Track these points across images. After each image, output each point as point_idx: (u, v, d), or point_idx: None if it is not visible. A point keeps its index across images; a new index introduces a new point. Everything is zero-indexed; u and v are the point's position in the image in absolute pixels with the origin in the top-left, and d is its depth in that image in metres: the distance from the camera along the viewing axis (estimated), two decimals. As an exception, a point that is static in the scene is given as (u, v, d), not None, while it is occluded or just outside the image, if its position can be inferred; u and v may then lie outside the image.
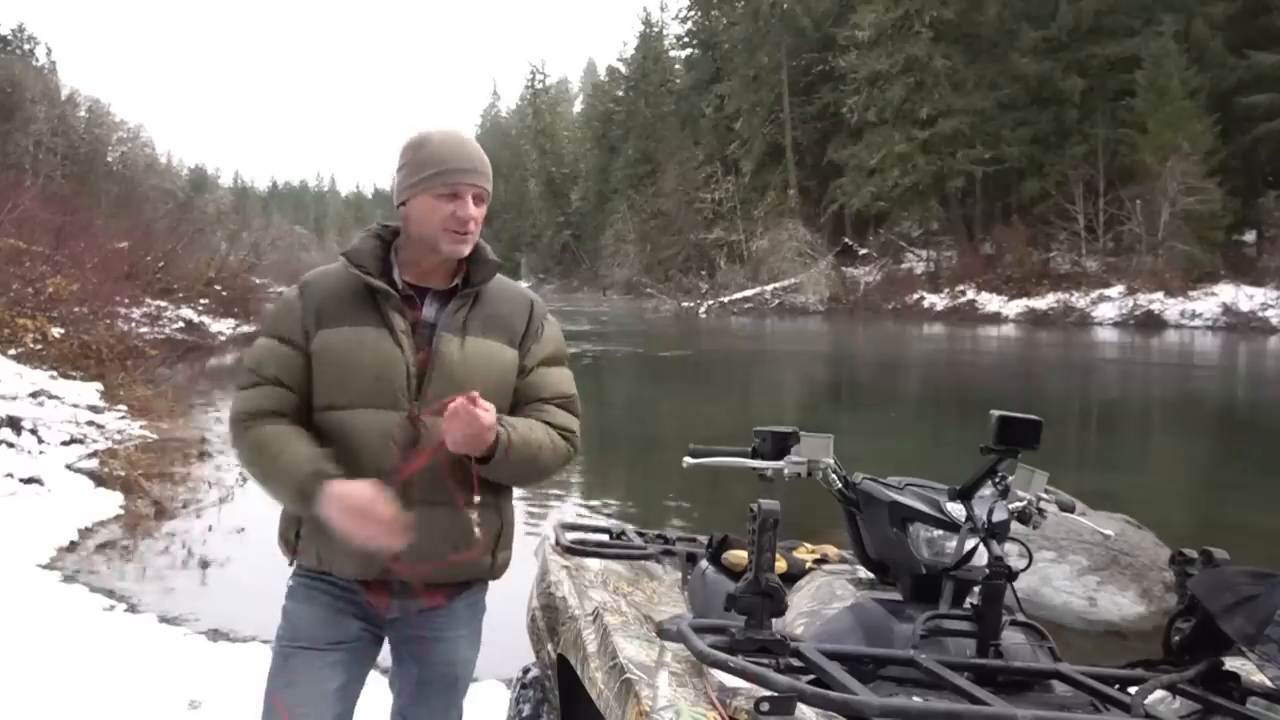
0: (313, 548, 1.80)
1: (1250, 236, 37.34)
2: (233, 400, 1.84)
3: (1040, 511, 1.88)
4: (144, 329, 17.26)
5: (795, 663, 1.44)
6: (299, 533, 1.83)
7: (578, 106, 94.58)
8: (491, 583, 1.97)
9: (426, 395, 1.75)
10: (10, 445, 7.35)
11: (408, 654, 1.93)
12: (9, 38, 64.81)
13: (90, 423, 8.56)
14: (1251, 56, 33.54)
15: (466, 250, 1.80)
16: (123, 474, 7.31)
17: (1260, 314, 30.14)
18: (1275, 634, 1.37)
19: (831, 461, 1.99)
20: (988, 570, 1.67)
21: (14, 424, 7.71)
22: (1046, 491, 1.91)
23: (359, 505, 1.63)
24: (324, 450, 1.73)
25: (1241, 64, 34.03)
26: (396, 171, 1.83)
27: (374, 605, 1.84)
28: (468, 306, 1.83)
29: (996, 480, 1.83)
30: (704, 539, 2.62)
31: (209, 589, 5.31)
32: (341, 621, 1.83)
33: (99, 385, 10.32)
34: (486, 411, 1.65)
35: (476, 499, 1.75)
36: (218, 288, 23.32)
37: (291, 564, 1.89)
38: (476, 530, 1.76)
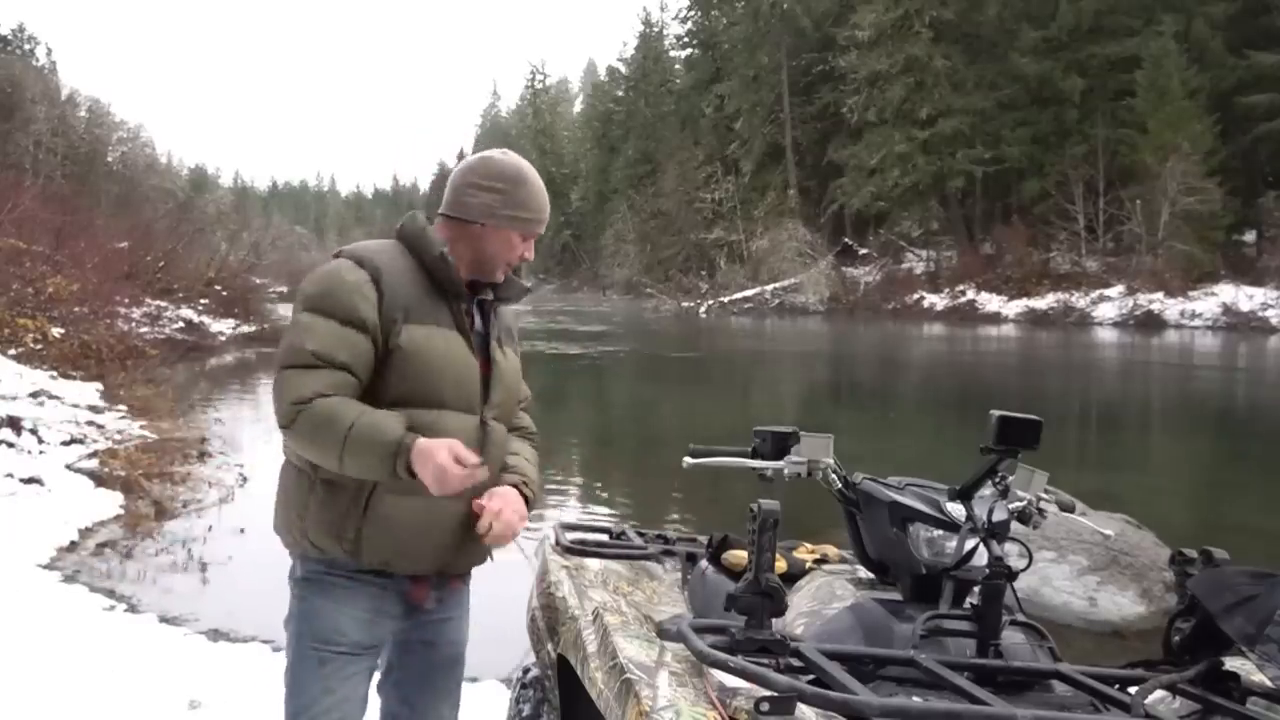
0: (378, 543, 1.74)
1: (1250, 236, 37.36)
2: (285, 383, 1.69)
3: (1040, 511, 1.88)
4: (144, 329, 17.27)
5: (795, 663, 1.44)
6: (361, 530, 1.73)
7: (578, 106, 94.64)
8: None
9: (491, 401, 1.84)
10: (10, 445, 7.35)
11: (419, 641, 1.92)
12: (9, 38, 64.83)
13: (90, 423, 8.55)
14: (1251, 56, 33.55)
15: (503, 279, 1.89)
16: (123, 474, 7.30)
17: (1260, 314, 30.15)
18: (1275, 634, 1.37)
19: (831, 461, 1.99)
20: (988, 570, 1.67)
21: (14, 424, 7.70)
22: (1046, 491, 1.91)
23: (445, 460, 1.62)
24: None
25: (1241, 64, 34.05)
26: (479, 189, 1.84)
27: (415, 599, 1.84)
28: (496, 319, 1.91)
29: (996, 480, 1.83)
30: (704, 539, 2.61)
31: (209, 589, 5.31)
32: (380, 623, 1.83)
33: (99, 385, 10.32)
34: (519, 509, 1.82)
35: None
36: (218, 288, 23.33)
37: (350, 566, 1.78)
38: None
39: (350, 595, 1.79)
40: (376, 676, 1.95)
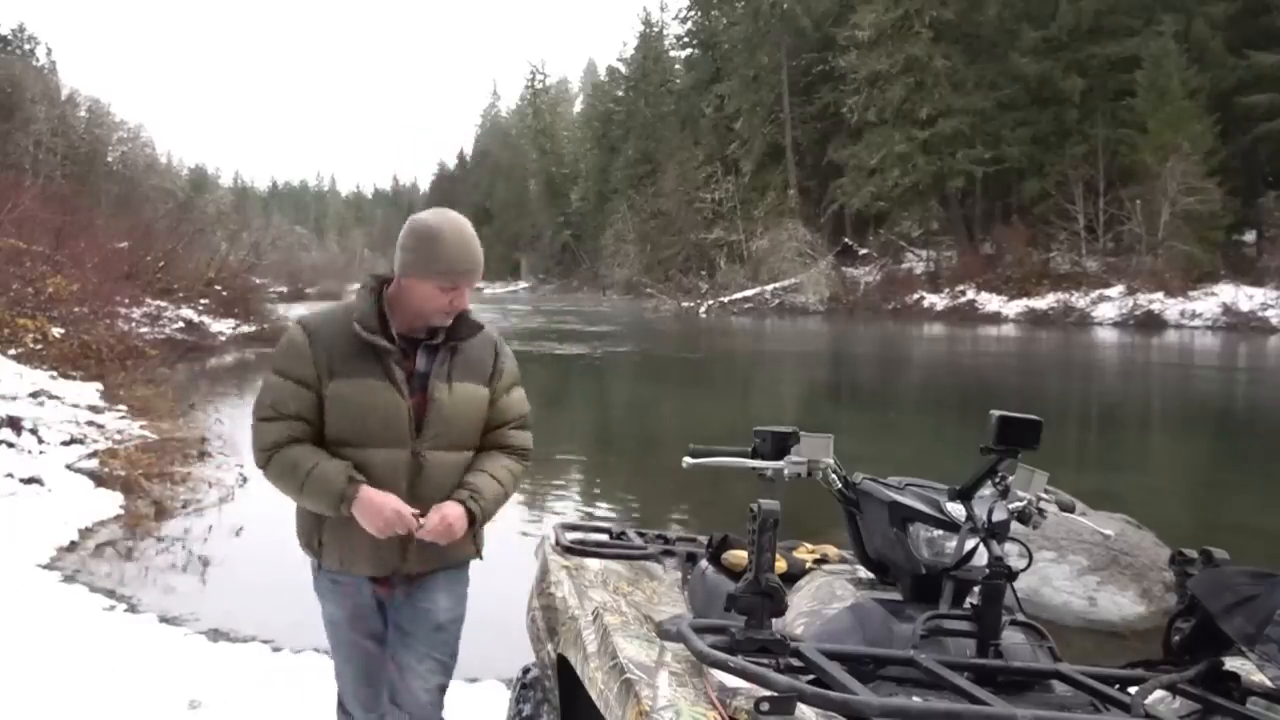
0: (335, 551, 2.17)
1: (1250, 236, 37.34)
2: (255, 432, 2.15)
3: (1040, 511, 1.88)
4: (144, 329, 17.28)
5: (795, 663, 1.44)
6: (322, 539, 2.18)
7: (578, 106, 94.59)
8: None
9: (424, 435, 2.15)
10: (10, 445, 7.35)
11: (400, 618, 2.26)
12: (9, 38, 64.82)
13: (90, 423, 8.55)
14: (1251, 56, 33.54)
15: (436, 327, 2.17)
16: (123, 474, 7.30)
17: (1260, 314, 30.13)
18: (1275, 634, 1.37)
19: (831, 461, 1.99)
20: (988, 570, 1.67)
21: (14, 424, 7.70)
22: (1046, 491, 1.90)
23: (384, 504, 2.05)
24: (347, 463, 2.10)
25: (1241, 64, 34.03)
26: (402, 249, 2.13)
27: (381, 594, 2.24)
28: (450, 356, 2.19)
29: (996, 480, 1.83)
30: (704, 539, 2.61)
31: (209, 589, 5.31)
32: (370, 616, 2.26)
33: (99, 385, 10.32)
34: (455, 521, 2.11)
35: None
36: (218, 288, 23.35)
37: (319, 567, 2.24)
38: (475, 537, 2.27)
39: (339, 598, 2.25)
40: None
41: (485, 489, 2.18)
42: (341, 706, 2.42)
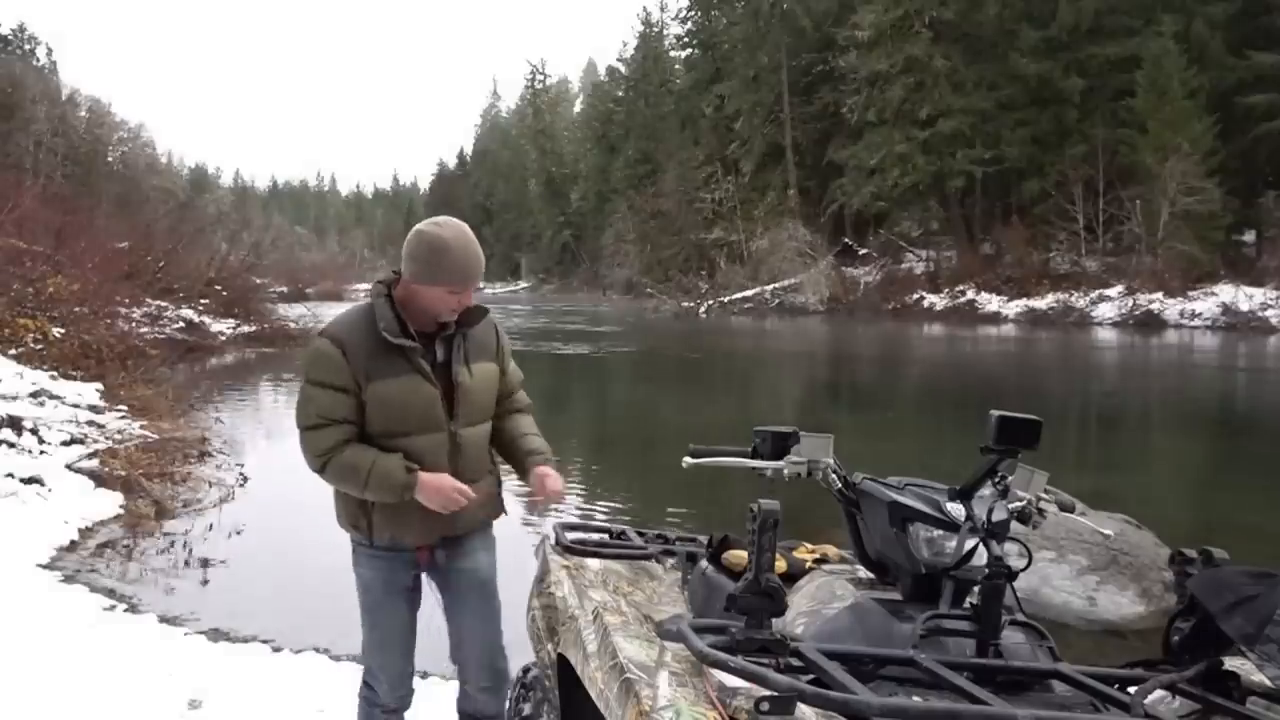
0: (386, 528, 2.44)
1: (1250, 236, 37.31)
2: (306, 440, 2.38)
3: (1040, 511, 1.88)
4: (144, 329, 17.27)
5: (795, 663, 1.44)
6: (371, 520, 2.44)
7: (578, 106, 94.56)
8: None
9: (458, 417, 2.44)
10: (11, 445, 7.35)
11: (446, 579, 2.57)
12: (9, 38, 64.84)
13: (90, 423, 8.54)
14: (1251, 56, 33.51)
15: (453, 320, 2.42)
16: (123, 474, 7.30)
17: (1260, 314, 30.11)
18: (1275, 634, 1.37)
19: (831, 461, 1.99)
20: (987, 570, 1.67)
21: (14, 424, 7.70)
22: (1046, 491, 1.90)
23: (449, 485, 2.36)
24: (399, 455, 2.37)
25: (1241, 64, 33.99)
26: (412, 259, 2.35)
27: (421, 561, 2.52)
28: (464, 343, 2.45)
29: (996, 480, 1.83)
30: (704, 539, 2.61)
31: (209, 589, 5.32)
32: (396, 576, 2.52)
33: (99, 385, 10.31)
34: (556, 480, 2.52)
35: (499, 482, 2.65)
36: (218, 288, 23.32)
37: (369, 544, 2.49)
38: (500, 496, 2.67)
39: (372, 561, 2.52)
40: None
41: (547, 448, 2.58)
42: (367, 685, 2.63)
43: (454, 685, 2.75)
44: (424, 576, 2.59)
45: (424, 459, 2.37)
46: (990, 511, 1.75)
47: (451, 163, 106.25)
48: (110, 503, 6.76)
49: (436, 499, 2.35)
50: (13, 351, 10.95)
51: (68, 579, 5.27)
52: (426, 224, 2.41)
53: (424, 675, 3.36)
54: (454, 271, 2.33)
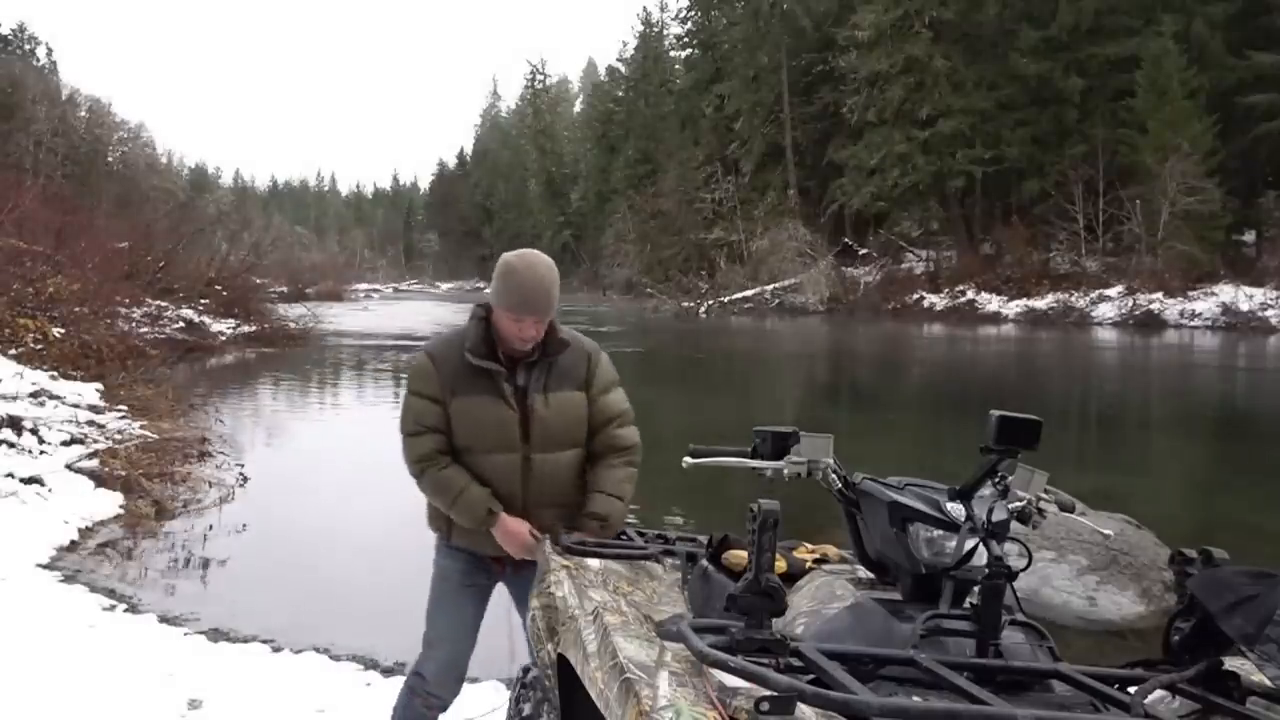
0: (465, 535, 2.62)
1: (1250, 236, 37.33)
2: (406, 446, 2.59)
3: (1040, 511, 1.88)
4: (144, 329, 17.27)
5: (795, 663, 1.44)
6: (451, 527, 2.64)
7: (578, 106, 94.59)
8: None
9: (532, 441, 2.55)
10: (11, 445, 7.34)
11: (519, 590, 2.66)
12: (9, 37, 64.88)
13: (90, 423, 8.54)
14: (1251, 56, 33.51)
15: (528, 349, 2.51)
16: (123, 474, 7.30)
17: (1260, 314, 30.12)
18: (1275, 634, 1.37)
19: (831, 461, 1.98)
20: (988, 570, 1.66)
21: (14, 424, 7.69)
22: (1046, 491, 1.90)
23: (525, 534, 2.53)
24: (487, 489, 2.54)
25: (1241, 64, 34.00)
26: (493, 280, 2.52)
27: (495, 569, 2.69)
28: (547, 369, 2.55)
29: (996, 480, 1.82)
30: (704, 539, 2.61)
31: (209, 589, 5.32)
32: (473, 573, 2.69)
33: (99, 385, 10.30)
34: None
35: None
36: (218, 288, 23.32)
37: (448, 541, 2.68)
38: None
39: (451, 554, 2.71)
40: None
41: (611, 513, 2.56)
42: (417, 673, 2.71)
43: (463, 689, 2.81)
44: (503, 587, 2.74)
45: (496, 477, 2.53)
46: (990, 511, 1.74)
47: (451, 163, 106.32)
48: (110, 503, 6.76)
49: (511, 544, 2.52)
50: (13, 351, 10.95)
51: (68, 579, 5.27)
52: (512, 252, 2.57)
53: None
54: (512, 297, 2.44)
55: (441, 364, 2.55)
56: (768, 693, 1.23)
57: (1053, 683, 1.55)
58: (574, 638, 1.85)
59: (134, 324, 16.97)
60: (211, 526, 6.42)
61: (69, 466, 7.20)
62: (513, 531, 2.52)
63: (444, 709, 2.74)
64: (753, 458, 2.06)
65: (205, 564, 5.68)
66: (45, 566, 5.48)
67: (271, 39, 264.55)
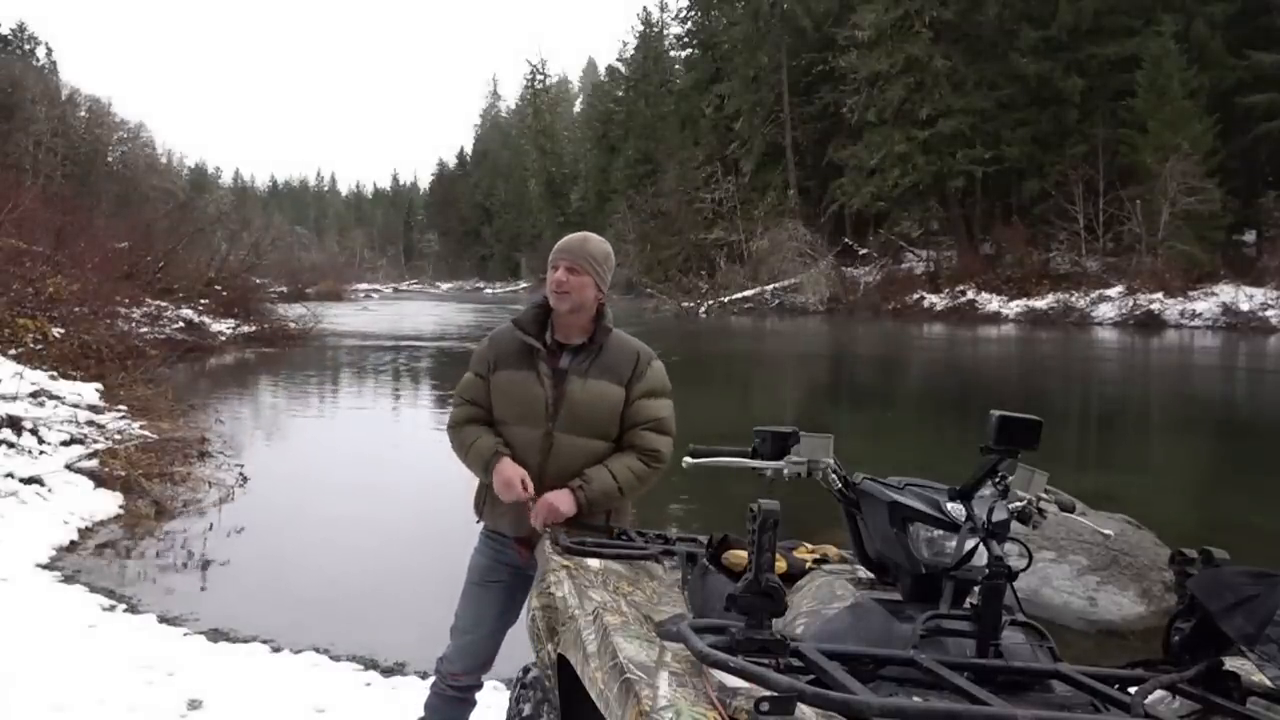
0: (490, 512, 2.75)
1: (1250, 236, 37.30)
2: (451, 412, 2.79)
3: (1040, 511, 1.88)
4: (144, 329, 17.26)
5: (795, 663, 1.44)
6: (485, 500, 2.75)
7: (578, 106, 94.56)
8: None
9: (557, 420, 2.62)
10: (10, 445, 7.34)
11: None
12: (9, 37, 64.85)
13: (90, 423, 8.54)
14: (1251, 56, 33.52)
15: (565, 306, 2.63)
16: (123, 474, 7.30)
17: (1260, 314, 30.11)
18: (1275, 634, 1.37)
19: (831, 461, 1.98)
20: (988, 570, 1.66)
21: (14, 424, 7.69)
22: (1046, 491, 1.90)
23: (517, 476, 2.57)
24: (501, 440, 2.66)
25: (1241, 64, 34.01)
26: None
27: (521, 557, 2.69)
28: (591, 357, 2.65)
29: (996, 480, 1.82)
30: (704, 539, 2.61)
31: (209, 589, 5.32)
32: (498, 568, 2.76)
33: (99, 385, 10.30)
34: (558, 503, 2.55)
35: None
36: (218, 288, 23.32)
37: (480, 522, 2.80)
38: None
39: (485, 543, 2.80)
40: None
41: (595, 480, 2.59)
42: (441, 656, 2.84)
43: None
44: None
45: (518, 450, 2.63)
46: (990, 512, 1.74)
47: (451, 163, 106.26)
48: (110, 503, 6.76)
49: (502, 487, 2.58)
50: (13, 351, 10.94)
51: (68, 579, 5.27)
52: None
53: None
54: (553, 251, 2.69)
55: (495, 342, 2.75)
56: (768, 693, 1.23)
57: (1053, 683, 1.55)
58: (574, 638, 1.85)
59: (134, 324, 16.96)
60: (211, 526, 6.42)
61: (69, 466, 7.20)
62: (507, 476, 2.58)
63: (466, 692, 2.87)
64: (753, 458, 2.06)
65: (205, 564, 5.68)
66: (45, 566, 5.48)
67: (271, 39, 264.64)
